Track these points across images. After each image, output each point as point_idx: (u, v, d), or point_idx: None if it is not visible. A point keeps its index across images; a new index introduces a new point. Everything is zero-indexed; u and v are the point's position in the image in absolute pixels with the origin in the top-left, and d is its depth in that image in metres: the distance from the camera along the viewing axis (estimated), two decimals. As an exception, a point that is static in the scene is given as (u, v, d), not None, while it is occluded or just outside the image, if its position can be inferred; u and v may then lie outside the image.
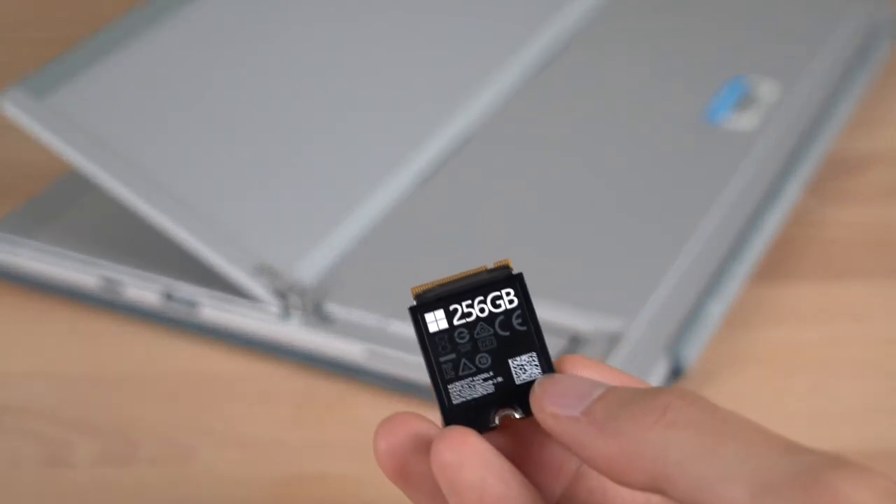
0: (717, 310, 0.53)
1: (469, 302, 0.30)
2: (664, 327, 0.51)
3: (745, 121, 0.63)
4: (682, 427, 0.26)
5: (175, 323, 0.55)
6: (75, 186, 0.58)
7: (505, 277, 0.30)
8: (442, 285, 0.30)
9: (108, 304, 0.56)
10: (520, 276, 0.30)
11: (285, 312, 0.53)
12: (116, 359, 0.55)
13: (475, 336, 0.30)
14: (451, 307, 0.30)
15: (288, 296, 0.52)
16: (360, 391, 0.52)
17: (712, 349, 0.52)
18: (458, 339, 0.30)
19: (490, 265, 0.31)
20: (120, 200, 0.53)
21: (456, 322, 0.30)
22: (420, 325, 0.30)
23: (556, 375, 0.29)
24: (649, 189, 0.59)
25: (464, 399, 0.30)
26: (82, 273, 0.56)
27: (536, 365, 0.30)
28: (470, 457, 0.28)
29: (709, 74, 0.66)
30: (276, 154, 0.58)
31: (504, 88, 0.65)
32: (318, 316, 0.52)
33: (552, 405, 0.28)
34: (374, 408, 0.51)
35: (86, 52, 0.57)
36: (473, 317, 0.30)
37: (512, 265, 0.31)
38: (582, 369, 0.30)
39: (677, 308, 0.52)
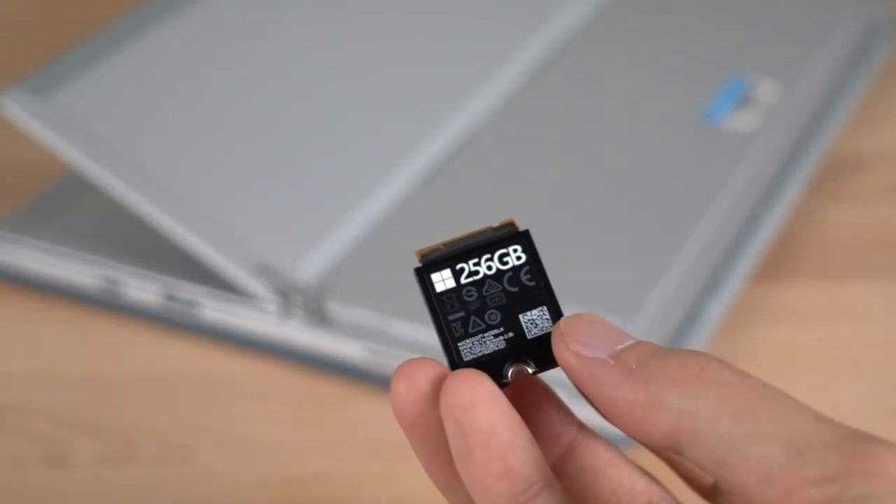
0: (716, 310, 0.53)
1: (476, 260, 0.30)
2: (664, 327, 0.51)
3: (744, 121, 0.63)
4: (718, 387, 0.26)
5: (175, 323, 0.55)
6: (75, 186, 0.58)
7: (511, 235, 0.30)
8: (447, 245, 0.30)
9: (108, 304, 0.56)
10: (526, 233, 0.30)
11: (286, 312, 0.53)
12: (116, 359, 0.55)
13: (483, 293, 0.30)
14: (458, 266, 0.30)
15: (289, 295, 0.52)
16: (360, 391, 0.52)
17: (712, 349, 0.52)
18: (466, 298, 0.30)
19: (495, 224, 0.30)
20: (120, 200, 0.53)
21: (463, 280, 0.30)
22: (427, 285, 0.30)
23: (585, 316, 0.29)
24: (649, 189, 0.59)
25: (475, 356, 0.30)
26: (82, 273, 0.56)
27: (548, 319, 0.30)
28: (482, 399, 0.28)
29: (708, 74, 0.66)
30: (276, 153, 0.58)
31: (504, 88, 0.65)
32: (318, 316, 0.52)
33: (577, 343, 0.28)
34: (375, 408, 0.51)
35: (86, 52, 0.57)
36: (481, 275, 0.30)
37: (517, 223, 0.30)
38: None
39: (677, 308, 0.52)
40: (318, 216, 0.56)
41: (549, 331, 0.30)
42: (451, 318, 0.30)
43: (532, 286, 0.30)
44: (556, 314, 0.30)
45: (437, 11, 0.67)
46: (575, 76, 0.67)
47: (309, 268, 0.54)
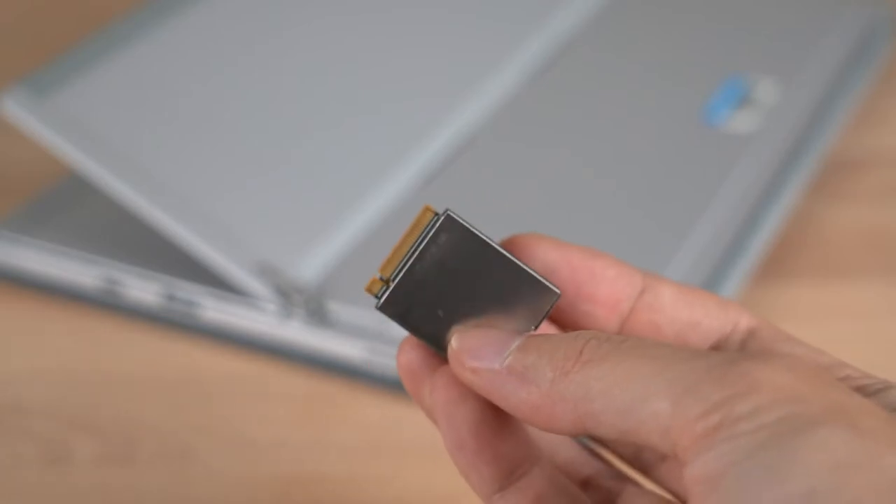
0: (717, 310, 0.53)
1: (420, 265, 0.30)
2: (664, 327, 0.51)
3: (744, 121, 0.63)
4: (599, 362, 0.27)
5: (175, 323, 0.55)
6: (75, 186, 0.58)
7: (436, 224, 0.30)
8: (388, 264, 0.30)
9: (108, 304, 0.56)
10: (447, 214, 0.30)
11: (286, 312, 0.53)
12: (116, 359, 0.55)
13: (446, 290, 0.30)
14: (410, 282, 0.30)
15: (289, 295, 0.52)
16: (360, 391, 0.52)
17: (712, 349, 0.52)
18: (430, 299, 0.30)
19: (414, 220, 0.30)
20: (120, 200, 0.53)
21: (422, 291, 0.30)
22: (392, 318, 0.30)
23: (472, 330, 0.29)
24: (648, 189, 0.59)
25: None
26: (82, 273, 0.56)
27: (514, 279, 0.30)
28: (470, 392, 0.29)
29: (708, 74, 0.66)
30: (277, 153, 0.58)
31: (504, 88, 0.65)
32: (318, 316, 0.52)
33: (471, 360, 0.29)
34: (375, 408, 0.51)
35: (86, 52, 0.57)
36: (434, 276, 0.30)
37: (434, 208, 0.30)
38: (533, 246, 0.31)
39: (677, 308, 0.52)
40: (318, 215, 0.56)
41: (521, 291, 0.30)
42: (430, 326, 0.30)
43: (482, 259, 0.30)
44: (516, 270, 0.30)
45: (438, 11, 0.67)
46: (575, 76, 0.67)
47: (309, 267, 0.54)
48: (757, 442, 0.23)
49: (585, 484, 0.32)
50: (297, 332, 0.53)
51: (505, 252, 0.30)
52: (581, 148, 0.62)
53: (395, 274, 0.30)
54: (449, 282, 0.30)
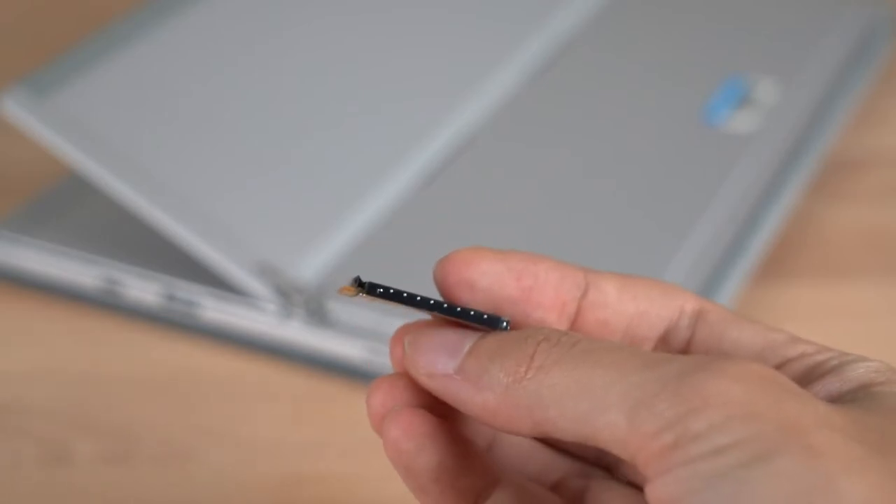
0: (717, 310, 0.53)
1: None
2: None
3: (744, 121, 0.63)
4: (550, 369, 0.26)
5: (175, 323, 0.55)
6: (76, 186, 0.58)
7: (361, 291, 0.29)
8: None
9: (108, 304, 0.56)
10: (368, 284, 0.29)
11: (286, 312, 0.53)
12: (116, 359, 0.55)
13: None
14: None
15: (289, 295, 0.52)
16: (360, 391, 0.52)
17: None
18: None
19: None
20: (120, 200, 0.53)
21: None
22: (385, 289, 0.29)
23: (423, 330, 0.29)
24: (648, 190, 0.59)
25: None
26: (82, 273, 0.56)
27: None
28: (425, 442, 0.29)
29: (708, 74, 0.66)
30: (277, 153, 0.58)
31: (504, 88, 0.65)
32: (318, 315, 0.52)
33: (425, 364, 0.29)
34: (375, 408, 0.51)
35: (86, 52, 0.57)
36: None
37: (351, 289, 0.30)
38: (475, 260, 0.30)
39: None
40: (318, 215, 0.56)
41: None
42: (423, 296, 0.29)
43: (416, 311, 0.29)
44: (457, 314, 0.29)
45: (438, 11, 0.67)
46: (575, 76, 0.67)
47: (309, 267, 0.54)
48: (713, 470, 0.23)
49: (557, 486, 0.32)
50: (297, 332, 0.53)
51: (442, 302, 0.30)
52: (581, 148, 0.62)
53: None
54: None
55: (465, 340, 0.28)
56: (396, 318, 0.51)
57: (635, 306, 0.31)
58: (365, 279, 0.30)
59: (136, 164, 0.54)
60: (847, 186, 0.63)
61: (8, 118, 0.54)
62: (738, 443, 0.23)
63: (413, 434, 0.29)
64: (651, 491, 0.24)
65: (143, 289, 0.55)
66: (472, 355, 0.28)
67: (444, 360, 0.28)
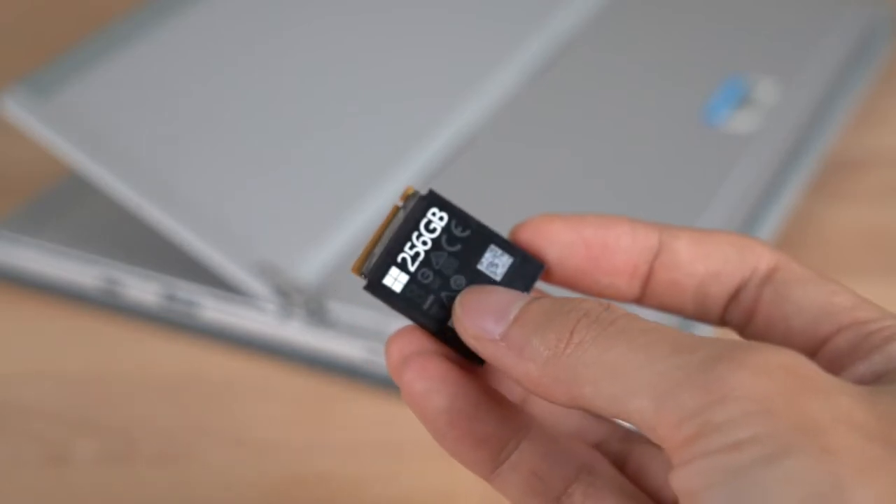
0: (717, 310, 0.53)
1: (409, 244, 0.30)
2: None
3: (744, 121, 0.63)
4: (587, 346, 0.27)
5: (175, 323, 0.55)
6: (76, 186, 0.58)
7: (420, 202, 0.30)
8: (374, 245, 0.30)
9: (108, 304, 0.56)
10: (431, 193, 0.30)
11: (286, 312, 0.53)
12: (116, 359, 0.55)
13: (436, 268, 0.30)
14: (399, 258, 0.30)
15: (289, 294, 0.52)
16: (360, 391, 0.52)
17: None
18: (424, 281, 0.30)
19: (399, 202, 0.30)
20: (120, 200, 0.53)
21: (412, 268, 0.30)
22: (386, 294, 0.30)
23: (473, 291, 0.29)
24: (648, 190, 0.59)
25: None
26: (82, 273, 0.56)
27: (502, 253, 0.30)
28: (436, 384, 0.29)
29: (708, 74, 0.66)
30: (277, 153, 0.58)
31: (504, 88, 0.65)
32: (318, 315, 0.52)
33: (473, 327, 0.29)
34: (375, 408, 0.51)
35: (86, 52, 0.57)
36: (423, 253, 0.30)
37: (415, 189, 0.30)
38: (545, 228, 0.30)
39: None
40: (318, 215, 0.56)
41: (510, 263, 0.30)
42: (425, 307, 0.30)
43: (468, 234, 0.30)
44: (504, 244, 0.30)
45: (438, 11, 0.67)
46: (575, 76, 0.67)
47: (309, 267, 0.54)
48: (730, 464, 0.23)
49: (597, 447, 0.32)
50: (297, 332, 0.53)
51: (489, 228, 0.30)
52: (581, 148, 0.62)
53: (381, 249, 0.30)
54: (435, 259, 0.30)
55: (513, 305, 0.28)
56: (396, 318, 0.51)
57: (706, 266, 0.31)
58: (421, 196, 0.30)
59: (136, 164, 0.54)
60: (847, 186, 0.63)
61: (8, 118, 0.54)
62: (754, 439, 0.23)
63: (425, 376, 0.29)
64: (674, 480, 0.24)
65: (143, 289, 0.55)
66: (517, 323, 0.28)
67: (491, 325, 0.28)
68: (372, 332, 0.51)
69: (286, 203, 0.56)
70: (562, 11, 0.70)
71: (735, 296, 0.31)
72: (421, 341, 0.30)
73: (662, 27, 0.71)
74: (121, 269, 0.55)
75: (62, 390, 0.53)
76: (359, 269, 0.30)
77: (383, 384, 0.52)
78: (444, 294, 0.30)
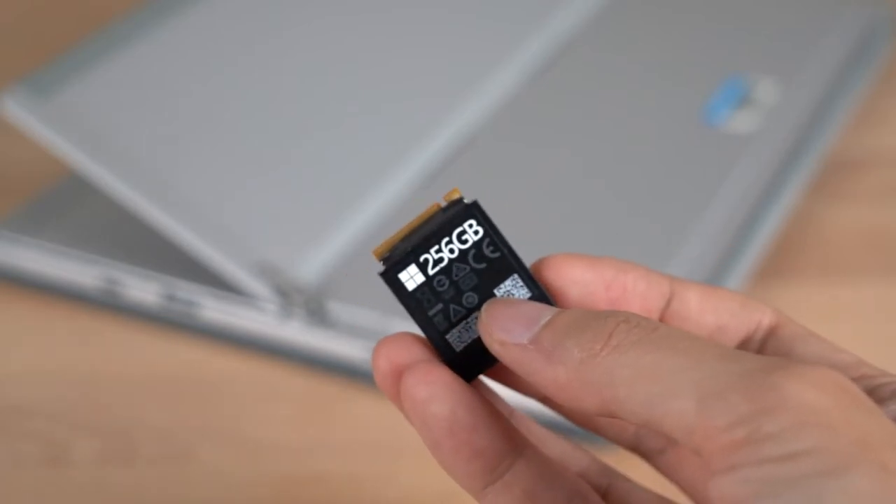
0: (717, 310, 0.53)
1: (437, 247, 0.29)
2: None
3: (744, 121, 0.63)
4: (626, 349, 0.26)
5: (175, 323, 0.55)
6: (76, 186, 0.58)
7: (462, 210, 0.29)
8: (404, 239, 0.29)
9: (108, 304, 0.56)
10: (475, 204, 0.30)
11: (286, 312, 0.53)
12: (116, 359, 0.55)
13: (454, 278, 0.29)
14: (422, 258, 0.29)
15: (289, 295, 0.52)
16: (360, 391, 0.52)
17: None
18: (438, 288, 0.29)
19: (442, 202, 0.30)
20: (120, 200, 0.53)
21: (431, 272, 0.29)
22: (398, 287, 0.29)
23: (503, 300, 0.29)
24: (648, 190, 0.59)
25: (465, 343, 0.29)
26: (82, 273, 0.56)
27: (522, 286, 0.30)
28: (439, 391, 0.29)
29: (708, 74, 0.66)
30: (277, 153, 0.58)
31: (504, 88, 0.65)
32: (318, 315, 0.52)
33: (499, 332, 0.28)
34: (374, 408, 0.51)
35: (86, 52, 0.57)
36: (446, 260, 0.29)
37: (461, 194, 0.30)
38: (567, 267, 0.30)
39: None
40: (318, 215, 0.56)
41: (527, 297, 0.30)
42: (431, 313, 0.29)
43: (497, 257, 0.30)
44: (527, 278, 0.30)
45: (438, 11, 0.67)
46: (575, 76, 0.67)
47: (309, 267, 0.54)
48: (784, 476, 0.23)
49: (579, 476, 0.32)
50: (297, 332, 0.53)
51: (519, 258, 0.30)
52: (581, 148, 0.62)
53: (409, 244, 0.29)
54: (456, 270, 0.30)
55: (544, 313, 0.28)
56: (396, 318, 0.51)
57: (715, 319, 0.31)
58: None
59: (136, 164, 0.54)
60: (847, 186, 0.63)
61: (8, 118, 0.54)
62: (811, 451, 0.23)
63: (428, 382, 0.29)
64: (715, 487, 0.24)
65: (143, 289, 0.55)
66: (548, 327, 0.28)
67: (520, 331, 0.28)
68: (372, 332, 0.51)
69: (286, 203, 0.56)
70: (562, 11, 0.70)
71: (739, 347, 0.31)
72: (410, 351, 0.30)
73: (662, 27, 0.71)
74: (121, 269, 0.55)
75: (62, 390, 0.53)
76: (380, 255, 0.29)
77: (383, 384, 0.52)
78: (452, 307, 0.29)
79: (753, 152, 0.61)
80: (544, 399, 0.32)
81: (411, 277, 0.29)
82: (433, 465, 0.49)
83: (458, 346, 0.29)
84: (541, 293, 0.30)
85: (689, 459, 0.32)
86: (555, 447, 0.32)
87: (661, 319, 0.31)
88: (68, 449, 0.50)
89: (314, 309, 0.52)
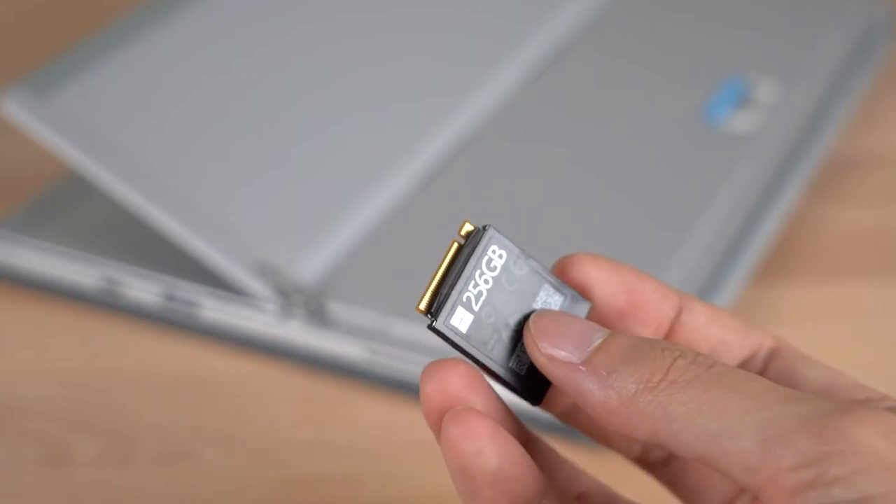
0: (717, 310, 0.53)
1: (474, 282, 0.30)
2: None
3: (744, 120, 0.63)
4: (685, 385, 0.27)
5: (175, 323, 0.55)
6: (76, 186, 0.58)
7: (483, 240, 0.30)
8: (440, 285, 0.30)
9: (108, 304, 0.56)
10: (492, 229, 0.30)
11: (286, 312, 0.53)
12: (116, 359, 0.55)
13: (498, 307, 0.30)
14: (465, 298, 0.29)
15: (289, 295, 0.52)
16: (360, 391, 0.52)
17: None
18: (487, 320, 0.29)
19: (460, 238, 0.30)
20: (120, 200, 0.53)
21: (477, 307, 0.29)
22: (455, 333, 0.29)
23: (548, 314, 0.29)
24: (648, 189, 0.59)
25: (527, 364, 0.30)
26: (82, 273, 0.56)
27: (554, 292, 0.30)
28: (487, 444, 0.28)
29: (708, 74, 0.66)
30: (277, 152, 0.58)
31: (504, 88, 0.65)
32: (318, 316, 0.52)
33: (549, 347, 0.28)
34: (375, 408, 0.51)
35: (86, 51, 0.57)
36: (485, 293, 0.30)
37: (473, 225, 0.30)
38: (592, 266, 0.31)
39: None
40: (318, 216, 0.56)
41: (561, 302, 0.30)
42: (489, 348, 0.29)
43: (525, 273, 0.30)
44: (557, 284, 0.30)
45: (437, 11, 0.67)
46: (575, 76, 0.67)
47: (309, 267, 0.54)
48: None
49: (578, 499, 0.32)
50: (297, 332, 0.53)
51: (544, 266, 0.30)
52: (581, 148, 0.62)
53: (448, 289, 0.30)
54: (496, 298, 0.30)
55: (594, 334, 0.29)
56: (396, 318, 0.51)
57: (721, 334, 0.32)
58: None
59: (136, 163, 0.54)
60: (847, 186, 0.63)
61: (8, 118, 0.54)
62: (883, 496, 0.23)
63: (474, 436, 0.28)
64: None
65: (143, 289, 0.55)
66: (602, 351, 0.28)
67: (570, 349, 0.28)
68: (372, 332, 0.51)
69: (286, 203, 0.56)
70: (562, 11, 0.70)
71: (742, 366, 0.31)
72: (458, 382, 0.29)
73: (662, 27, 0.71)
74: (121, 269, 0.55)
75: (62, 390, 0.53)
76: (427, 309, 0.29)
77: (383, 384, 0.52)
78: (504, 333, 0.30)
79: (753, 152, 0.61)
80: (565, 415, 0.32)
81: (462, 319, 0.29)
82: (433, 466, 0.49)
83: (522, 370, 0.30)
84: (572, 295, 0.30)
85: (691, 471, 0.32)
86: (561, 471, 0.32)
87: (672, 328, 0.31)
88: (68, 449, 0.50)
89: (314, 309, 0.52)
